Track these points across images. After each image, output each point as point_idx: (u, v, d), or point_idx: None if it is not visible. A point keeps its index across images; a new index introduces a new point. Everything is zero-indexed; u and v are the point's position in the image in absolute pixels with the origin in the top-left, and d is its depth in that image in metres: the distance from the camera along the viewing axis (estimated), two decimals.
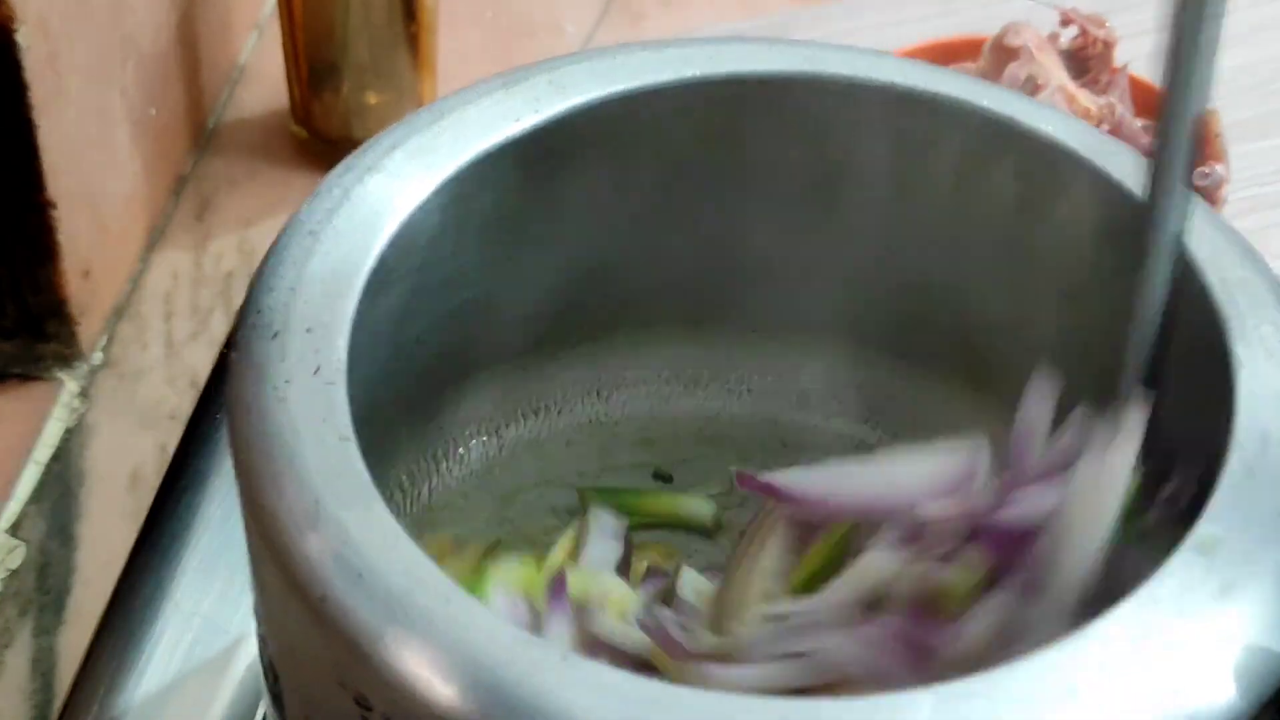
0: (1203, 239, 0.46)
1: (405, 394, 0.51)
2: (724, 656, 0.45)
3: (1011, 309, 0.53)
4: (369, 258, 0.43)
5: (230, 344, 0.42)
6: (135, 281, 0.78)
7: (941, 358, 0.56)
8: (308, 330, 0.41)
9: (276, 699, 0.42)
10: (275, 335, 0.41)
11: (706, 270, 0.55)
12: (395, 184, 0.45)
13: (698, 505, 0.56)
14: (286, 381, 0.39)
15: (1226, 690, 0.35)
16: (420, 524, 0.54)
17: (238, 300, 0.43)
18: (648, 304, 0.55)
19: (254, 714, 0.55)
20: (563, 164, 0.50)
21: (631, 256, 0.54)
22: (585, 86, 0.49)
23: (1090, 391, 0.51)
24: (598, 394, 0.58)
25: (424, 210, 0.45)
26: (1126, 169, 0.48)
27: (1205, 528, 0.38)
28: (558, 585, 0.47)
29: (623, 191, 0.52)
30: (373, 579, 0.36)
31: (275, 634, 0.40)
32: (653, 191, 0.52)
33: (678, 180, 0.53)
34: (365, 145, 0.47)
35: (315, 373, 0.40)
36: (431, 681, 0.34)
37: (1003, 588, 0.43)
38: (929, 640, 0.43)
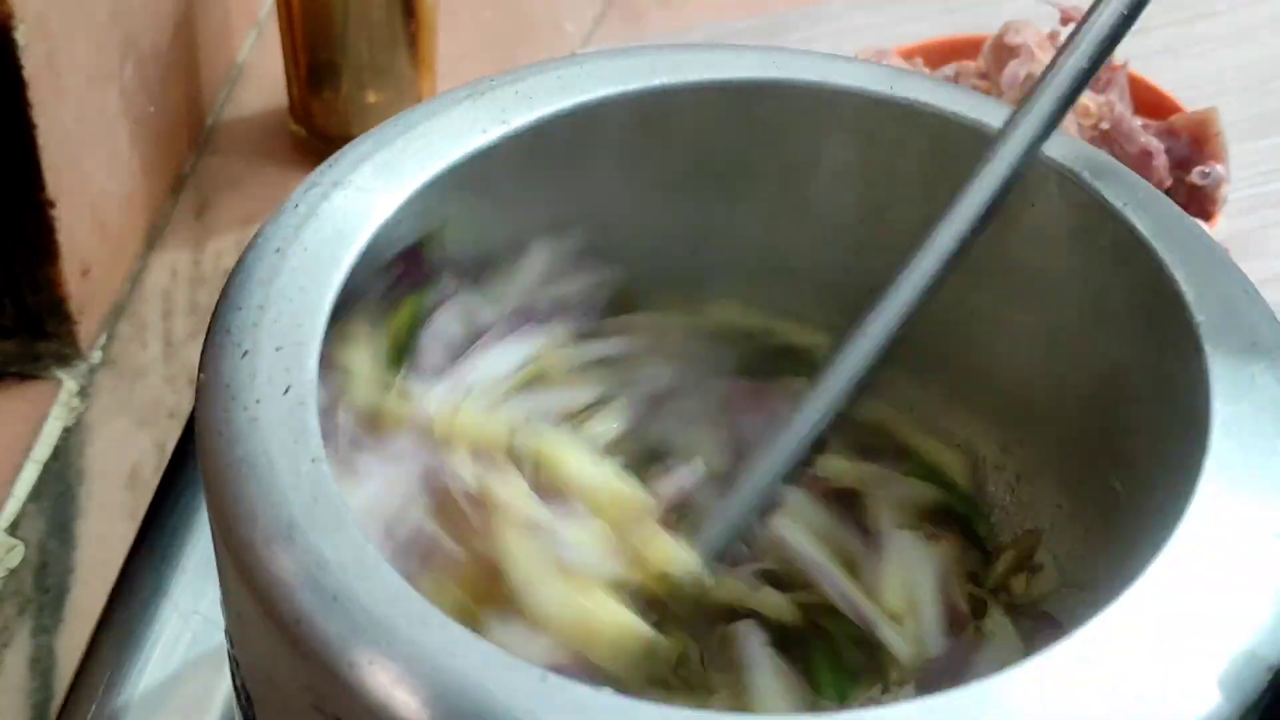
0: (1173, 240, 0.46)
1: None
2: None
3: (988, 316, 0.53)
4: (338, 273, 0.42)
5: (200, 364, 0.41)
6: (134, 280, 0.78)
7: (913, 360, 0.55)
8: (277, 349, 0.40)
9: None
10: (245, 355, 0.40)
11: (677, 281, 0.55)
12: (363, 198, 0.45)
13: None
14: (257, 401, 0.39)
15: (1212, 696, 0.35)
16: None
17: None
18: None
19: None
20: (530, 175, 0.49)
21: (601, 267, 0.54)
22: (552, 97, 0.48)
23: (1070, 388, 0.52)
24: None
25: (392, 224, 0.45)
26: (1100, 174, 0.48)
27: (1188, 530, 0.38)
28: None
29: (590, 202, 0.52)
30: (348, 601, 0.35)
31: (248, 657, 0.40)
32: (622, 201, 0.52)
33: (647, 190, 0.52)
34: (330, 160, 0.46)
35: (286, 392, 0.39)
36: (408, 705, 0.34)
37: None
38: None
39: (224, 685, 0.56)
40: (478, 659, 0.35)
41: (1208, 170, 0.73)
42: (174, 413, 0.72)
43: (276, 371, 0.40)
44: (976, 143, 0.49)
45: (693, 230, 0.54)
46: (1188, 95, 0.78)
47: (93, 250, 0.73)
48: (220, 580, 0.41)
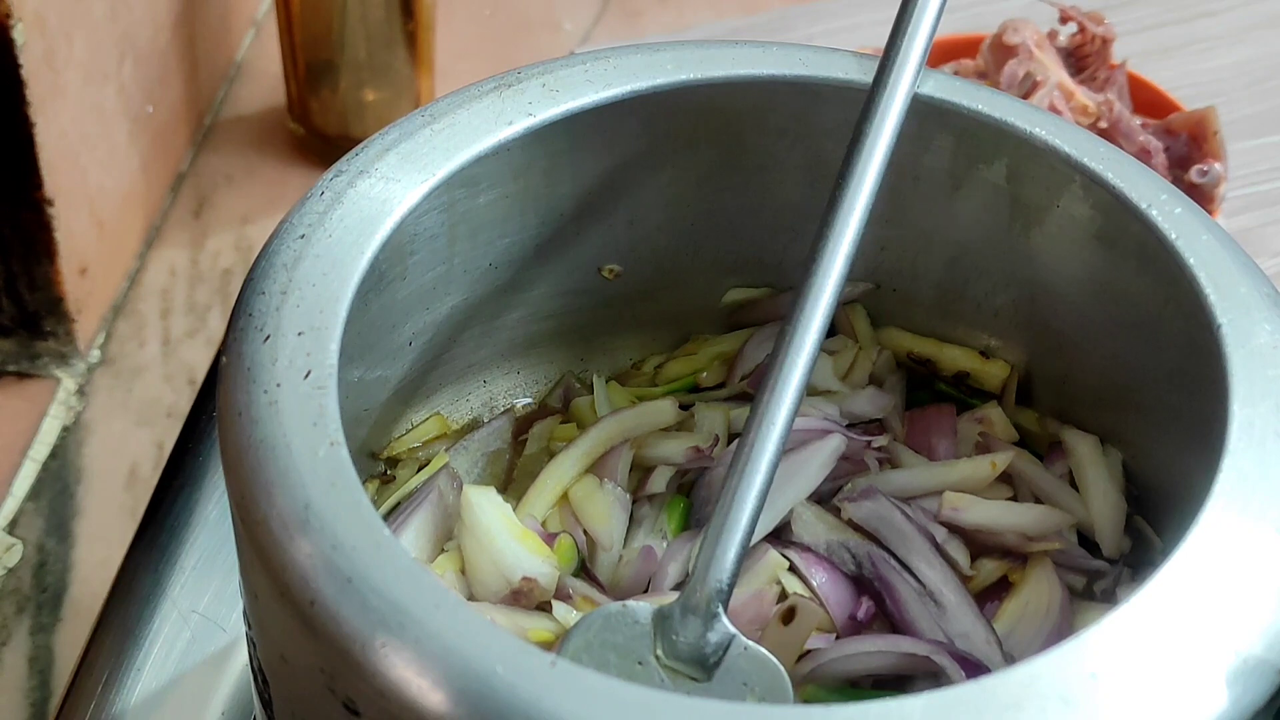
0: (1196, 242, 0.46)
1: (395, 396, 0.51)
2: None
3: (1005, 311, 0.53)
4: (361, 261, 0.43)
5: (223, 347, 0.42)
6: (133, 279, 0.78)
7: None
8: (299, 334, 0.41)
9: (266, 704, 0.41)
10: (267, 339, 0.40)
11: (698, 271, 0.55)
12: (388, 187, 0.45)
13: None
14: (277, 385, 0.39)
15: (1219, 699, 0.35)
16: None
17: (235, 298, 0.43)
18: (641, 306, 0.55)
19: (251, 711, 0.55)
20: (556, 167, 0.50)
21: (623, 259, 0.54)
22: (579, 90, 0.48)
23: (1081, 386, 0.52)
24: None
25: (416, 214, 0.45)
26: (1119, 170, 0.48)
27: (1199, 536, 0.38)
28: None
29: (616, 195, 0.52)
30: (362, 584, 0.35)
31: (265, 638, 0.40)
32: (646, 194, 0.52)
33: (671, 183, 0.52)
34: (357, 149, 0.46)
35: (306, 376, 0.39)
36: (420, 687, 0.34)
37: None
38: None
39: (223, 684, 0.56)
40: (489, 643, 0.35)
41: (1206, 169, 0.73)
42: (172, 411, 0.71)
43: (297, 356, 0.40)
44: (1003, 142, 0.49)
45: (716, 220, 0.54)
46: (1187, 94, 0.78)
47: (91, 248, 0.73)
48: (239, 560, 0.41)
